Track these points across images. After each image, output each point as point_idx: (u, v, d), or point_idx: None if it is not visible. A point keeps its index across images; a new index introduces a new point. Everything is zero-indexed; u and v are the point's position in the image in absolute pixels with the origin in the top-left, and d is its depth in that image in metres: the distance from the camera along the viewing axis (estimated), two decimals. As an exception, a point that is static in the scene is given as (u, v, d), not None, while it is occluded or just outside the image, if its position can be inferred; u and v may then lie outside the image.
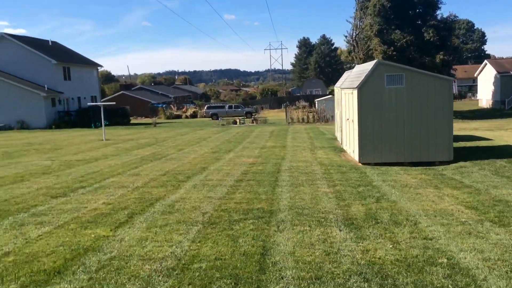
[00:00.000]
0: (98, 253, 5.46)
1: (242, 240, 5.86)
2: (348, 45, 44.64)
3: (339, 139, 19.62)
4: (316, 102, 43.90)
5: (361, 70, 14.33)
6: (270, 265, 4.91)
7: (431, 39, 37.39)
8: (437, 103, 12.84)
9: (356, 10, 43.25)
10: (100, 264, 5.09)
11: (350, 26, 45.17)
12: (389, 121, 12.91)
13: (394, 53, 36.39)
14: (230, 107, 55.08)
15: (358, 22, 40.39)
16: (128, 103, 56.02)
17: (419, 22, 40.35)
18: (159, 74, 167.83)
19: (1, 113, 37.30)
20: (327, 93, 72.39)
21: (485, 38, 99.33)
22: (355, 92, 13.13)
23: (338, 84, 19.77)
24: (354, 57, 42.53)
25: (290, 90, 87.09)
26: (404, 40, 37.18)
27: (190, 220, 6.96)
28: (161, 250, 5.54)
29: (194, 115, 61.52)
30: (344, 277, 4.57)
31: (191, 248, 5.59)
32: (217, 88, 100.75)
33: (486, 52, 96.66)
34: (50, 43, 44.53)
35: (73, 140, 24.96)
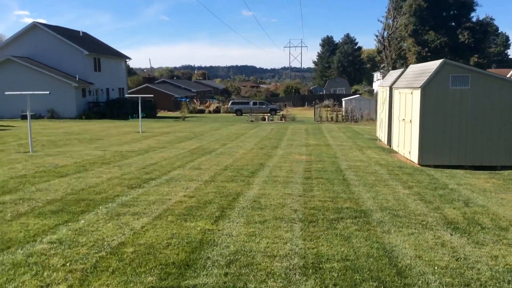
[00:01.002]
0: (216, 247, 5.36)
1: (356, 240, 5.73)
2: (378, 44, 44.08)
3: (382, 139, 19.39)
4: (343, 101, 43.50)
5: (421, 69, 14.07)
6: (406, 269, 4.76)
7: (466, 42, 36.76)
8: (502, 106, 12.56)
9: (389, 9, 42.74)
10: (226, 258, 4.98)
11: (381, 25, 44.66)
12: (452, 122, 12.66)
13: (428, 54, 35.85)
14: (254, 103, 54.93)
15: (392, 22, 39.87)
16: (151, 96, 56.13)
17: (453, 23, 39.71)
18: (175, 68, 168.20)
19: (34, 101, 37.35)
20: (351, 92, 71.96)
21: (509, 42, 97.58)
22: (417, 92, 12.89)
23: (384, 83, 19.50)
24: (385, 57, 42.08)
25: (311, 88, 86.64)
26: (438, 42, 36.62)
27: (286, 217, 6.83)
28: (278, 247, 5.42)
29: (217, 110, 61.51)
30: (494, 284, 4.40)
31: (307, 246, 5.47)
32: (236, 84, 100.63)
33: (510, 57, 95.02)
34: (81, 34, 44.74)
35: (109, 131, 25.02)
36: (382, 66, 75.49)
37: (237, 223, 6.49)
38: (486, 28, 38.24)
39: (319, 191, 8.84)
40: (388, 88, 18.15)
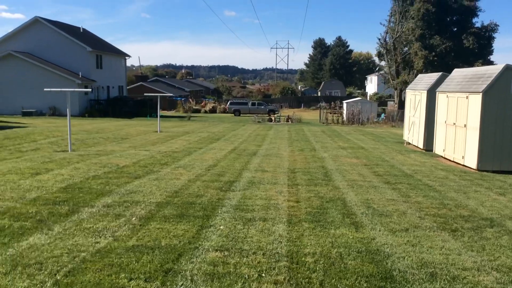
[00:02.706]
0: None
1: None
2: (381, 48, 44.35)
3: (414, 142, 19.42)
4: (345, 103, 43.58)
5: (475, 74, 14.05)
6: None
7: (470, 47, 37.22)
8: (562, 113, 12.60)
9: (392, 13, 43.03)
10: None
11: (383, 29, 45.00)
12: None
13: (435, 58, 36.18)
14: (253, 104, 54.74)
15: (397, 26, 40.12)
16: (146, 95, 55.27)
17: (455, 29, 40.19)
18: (157, 66, 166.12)
19: (34, 98, 36.65)
20: (346, 94, 72.28)
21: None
22: (476, 96, 12.87)
23: (417, 87, 19.52)
24: (389, 60, 42.34)
25: (302, 90, 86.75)
26: (443, 46, 36.98)
27: (424, 223, 6.65)
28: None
29: (213, 110, 61.05)
30: None
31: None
32: (226, 84, 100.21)
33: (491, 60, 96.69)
34: (81, 30, 43.85)
35: (126, 130, 24.47)
36: (377, 69, 76.06)
37: (374, 229, 6.26)
38: (491, 34, 38.80)
39: (418, 197, 8.68)
40: (425, 91, 18.15)
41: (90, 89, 17.65)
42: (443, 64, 37.84)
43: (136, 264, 4.79)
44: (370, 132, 28.75)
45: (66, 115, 36.61)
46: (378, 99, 55.62)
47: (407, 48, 40.70)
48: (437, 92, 16.40)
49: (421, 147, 18.38)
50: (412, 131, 19.85)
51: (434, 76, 18.68)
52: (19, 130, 20.46)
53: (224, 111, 58.30)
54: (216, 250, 5.23)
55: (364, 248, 5.45)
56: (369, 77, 75.73)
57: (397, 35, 40.15)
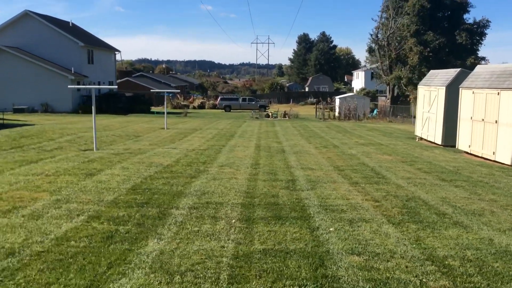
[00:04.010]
0: None
1: None
2: (373, 44, 44.66)
3: (428, 137, 19.65)
4: (337, 99, 43.72)
5: (505, 71, 14.23)
6: None
7: (463, 42, 37.84)
8: None
9: (385, 9, 43.38)
10: None
11: (375, 24, 45.34)
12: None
13: (430, 54, 36.67)
14: (244, 99, 54.52)
15: (391, 22, 40.47)
16: (132, 90, 54.53)
17: (446, 24, 40.76)
18: (133, 61, 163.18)
19: (25, 94, 35.68)
20: (334, 90, 72.68)
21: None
22: (509, 93, 13.04)
23: (432, 82, 19.71)
24: (381, 56, 42.67)
25: (287, 85, 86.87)
26: (437, 42, 37.50)
27: (501, 222, 6.69)
28: None
29: (201, 106, 60.55)
30: None
31: None
32: (211, 79, 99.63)
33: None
34: (70, 24, 42.84)
35: (132, 127, 24.02)
36: (364, 64, 76.58)
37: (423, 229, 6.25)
38: (483, 30, 39.50)
39: (488, 194, 8.74)
40: (443, 87, 18.34)
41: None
42: (436, 59, 38.37)
43: (287, 269, 4.66)
44: (373, 128, 28.94)
45: (58, 112, 35.87)
46: (365, 95, 56.04)
47: (400, 44, 41.04)
48: (460, 89, 16.56)
49: (439, 142, 18.58)
50: (427, 127, 20.05)
51: (452, 72, 18.88)
52: (28, 128, 19.84)
53: (214, 107, 57.90)
54: (353, 254, 5.14)
55: (496, 250, 5.43)
56: (355, 73, 76.35)
57: (391, 31, 40.47)
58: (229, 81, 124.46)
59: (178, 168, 10.81)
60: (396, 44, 41.06)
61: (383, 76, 43.73)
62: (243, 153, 14.28)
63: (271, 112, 40.33)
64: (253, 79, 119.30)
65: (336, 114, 41.53)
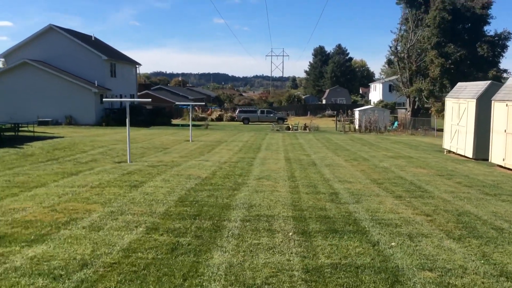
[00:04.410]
0: None
1: None
2: (392, 56, 44.60)
3: (457, 150, 19.48)
4: (357, 111, 43.61)
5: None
6: None
7: (485, 55, 37.57)
8: None
9: (404, 21, 43.37)
10: None
11: (394, 37, 45.33)
12: None
13: (452, 66, 36.47)
14: (262, 112, 54.68)
15: (411, 34, 40.42)
16: (151, 103, 54.86)
17: (467, 37, 40.54)
18: (149, 74, 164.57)
19: (49, 107, 36.20)
20: (351, 102, 72.52)
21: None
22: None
23: (461, 95, 19.58)
24: (400, 68, 42.56)
25: (303, 97, 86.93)
26: (458, 54, 37.30)
27: None
28: None
29: (219, 118, 60.83)
30: None
31: None
32: (227, 92, 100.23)
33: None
34: (93, 38, 43.52)
35: (158, 139, 24.23)
36: (381, 77, 76.46)
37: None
38: (504, 42, 39.20)
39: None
40: (473, 100, 18.21)
41: (150, 99, 17.33)
42: (458, 72, 38.12)
43: (363, 284, 4.64)
44: (396, 140, 28.77)
45: (82, 124, 36.31)
46: (384, 107, 55.87)
47: (421, 56, 40.90)
48: (492, 101, 16.42)
49: (470, 156, 18.40)
50: (456, 140, 19.88)
51: (482, 84, 18.75)
52: (58, 140, 20.12)
53: (232, 119, 58.14)
54: (424, 269, 5.11)
55: None
56: (372, 85, 76.19)
57: (411, 43, 40.39)
58: (243, 94, 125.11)
59: (217, 181, 10.85)
60: (416, 56, 40.91)
61: (403, 88, 43.55)
62: (275, 165, 14.29)
63: (291, 125, 40.35)
64: (267, 91, 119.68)
65: (356, 126, 41.42)
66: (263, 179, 11.38)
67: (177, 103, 40.07)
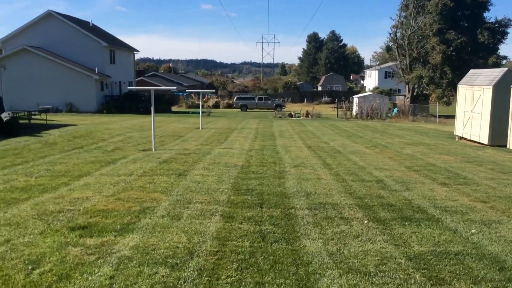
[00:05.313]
0: None
1: None
2: (391, 42, 44.73)
3: (471, 137, 19.71)
4: (356, 98, 43.74)
5: None
6: None
7: (486, 42, 37.86)
8: None
9: (403, 8, 43.43)
10: None
11: (393, 23, 45.44)
12: None
13: (453, 53, 36.70)
14: (260, 99, 54.59)
15: (412, 20, 40.51)
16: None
17: (466, 23, 40.76)
18: (136, 60, 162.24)
19: (50, 94, 35.71)
20: (347, 89, 72.69)
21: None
22: None
23: (476, 82, 19.75)
24: (402, 55, 42.71)
25: (298, 84, 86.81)
26: (458, 41, 37.53)
27: None
28: None
29: (216, 105, 60.53)
30: None
31: None
32: (221, 79, 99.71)
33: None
34: (91, 24, 42.90)
35: (166, 127, 24.06)
36: (377, 63, 76.60)
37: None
38: (505, 29, 39.51)
39: None
40: (489, 87, 18.40)
41: (175, 88, 17.18)
42: (459, 58, 38.39)
43: (476, 271, 4.72)
44: (402, 127, 28.99)
45: (82, 112, 35.95)
46: (380, 93, 56.09)
47: (422, 43, 41.05)
48: (512, 88, 16.60)
49: (485, 142, 18.63)
50: (470, 126, 20.09)
51: (497, 72, 18.92)
52: (72, 128, 19.91)
53: (228, 106, 57.98)
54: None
55: None
56: (367, 71, 76.39)
57: (413, 30, 40.50)
58: (235, 80, 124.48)
59: (256, 169, 10.87)
60: (417, 43, 41.05)
61: (402, 75, 43.75)
62: (301, 153, 14.34)
63: (293, 112, 40.35)
64: (257, 78, 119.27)
65: (354, 113, 41.57)
66: (300, 167, 11.42)
67: (189, 90, 39.65)
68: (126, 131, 20.20)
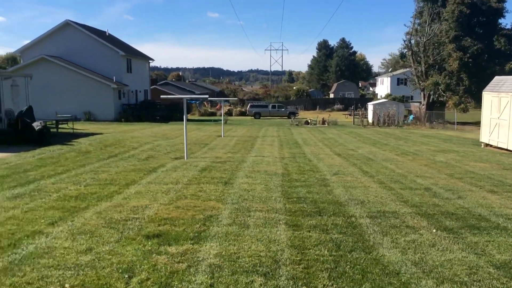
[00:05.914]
0: None
1: None
2: (406, 49, 44.68)
3: (498, 144, 19.57)
4: (371, 105, 43.68)
5: None
6: None
7: (502, 48, 37.71)
8: None
9: (418, 15, 43.44)
10: None
11: (407, 30, 45.47)
12: None
13: (470, 60, 36.57)
14: (273, 106, 54.62)
15: (427, 27, 40.48)
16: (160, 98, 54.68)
17: (481, 30, 40.65)
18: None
19: (68, 103, 35.91)
20: (359, 96, 72.55)
21: None
22: None
23: (502, 89, 19.63)
24: (417, 62, 42.63)
25: (309, 91, 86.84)
26: (475, 48, 37.41)
27: None
28: None
29: (229, 113, 60.63)
30: None
31: None
32: (232, 87, 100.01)
33: None
34: (107, 34, 43.22)
35: (190, 134, 23.85)
36: (390, 70, 76.50)
37: None
38: (522, 36, 39.35)
39: None
40: (518, 94, 18.25)
41: (207, 96, 17.23)
42: (476, 65, 38.25)
43: None
44: (423, 134, 28.85)
45: (101, 120, 36.12)
46: (393, 100, 55.98)
47: (438, 50, 40.97)
48: (544, 95, 16.46)
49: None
50: (497, 133, 19.95)
51: (526, 78, 18.80)
52: (100, 137, 19.97)
53: (241, 114, 58.09)
54: None
55: None
56: (379, 78, 76.25)
57: (429, 37, 40.45)
58: (244, 88, 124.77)
59: (297, 177, 10.84)
60: (433, 49, 40.97)
61: (418, 82, 43.65)
62: (333, 161, 14.31)
63: (310, 119, 40.32)
64: (264, 85, 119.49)
65: (369, 120, 41.47)
66: (340, 174, 11.38)
67: (212, 98, 40.07)
68: (152, 139, 20.25)
